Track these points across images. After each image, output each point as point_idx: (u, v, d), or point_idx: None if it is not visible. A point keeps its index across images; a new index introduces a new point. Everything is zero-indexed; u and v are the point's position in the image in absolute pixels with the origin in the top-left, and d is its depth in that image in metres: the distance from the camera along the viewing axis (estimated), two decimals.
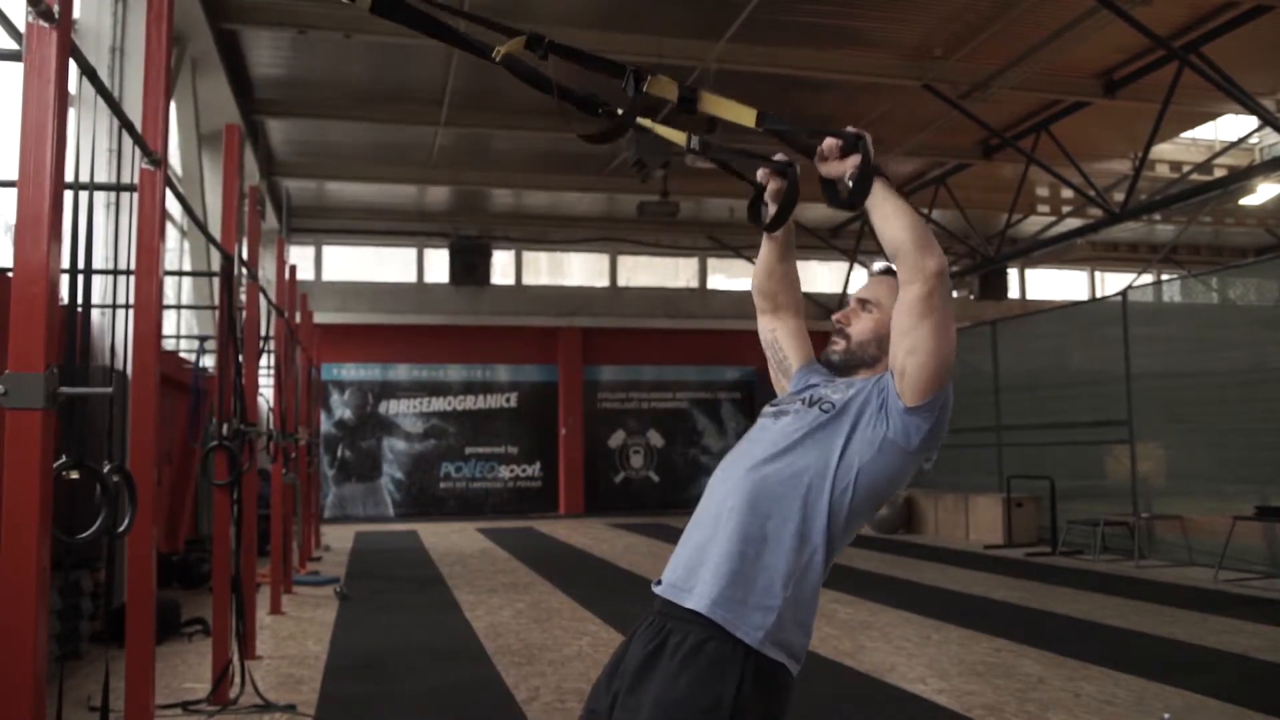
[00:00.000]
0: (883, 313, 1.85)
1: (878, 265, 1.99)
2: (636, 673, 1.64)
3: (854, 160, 1.68)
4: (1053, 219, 14.52)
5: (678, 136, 2.00)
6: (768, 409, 1.89)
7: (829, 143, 1.69)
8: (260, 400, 6.90)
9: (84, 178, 2.61)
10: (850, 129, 1.69)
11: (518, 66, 1.72)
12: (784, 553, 1.67)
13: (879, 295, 1.88)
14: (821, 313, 14.71)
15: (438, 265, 16.64)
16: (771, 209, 1.93)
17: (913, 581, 8.25)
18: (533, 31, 1.70)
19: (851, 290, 2.01)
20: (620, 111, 1.77)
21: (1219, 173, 12.11)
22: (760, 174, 1.92)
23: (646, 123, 1.93)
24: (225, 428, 4.73)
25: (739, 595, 1.64)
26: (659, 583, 1.76)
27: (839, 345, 1.90)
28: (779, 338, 2.06)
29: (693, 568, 1.70)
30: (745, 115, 1.72)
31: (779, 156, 1.89)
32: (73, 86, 2.61)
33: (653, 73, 1.74)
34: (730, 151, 2.03)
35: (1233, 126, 12.99)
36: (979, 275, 16.74)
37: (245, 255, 5.35)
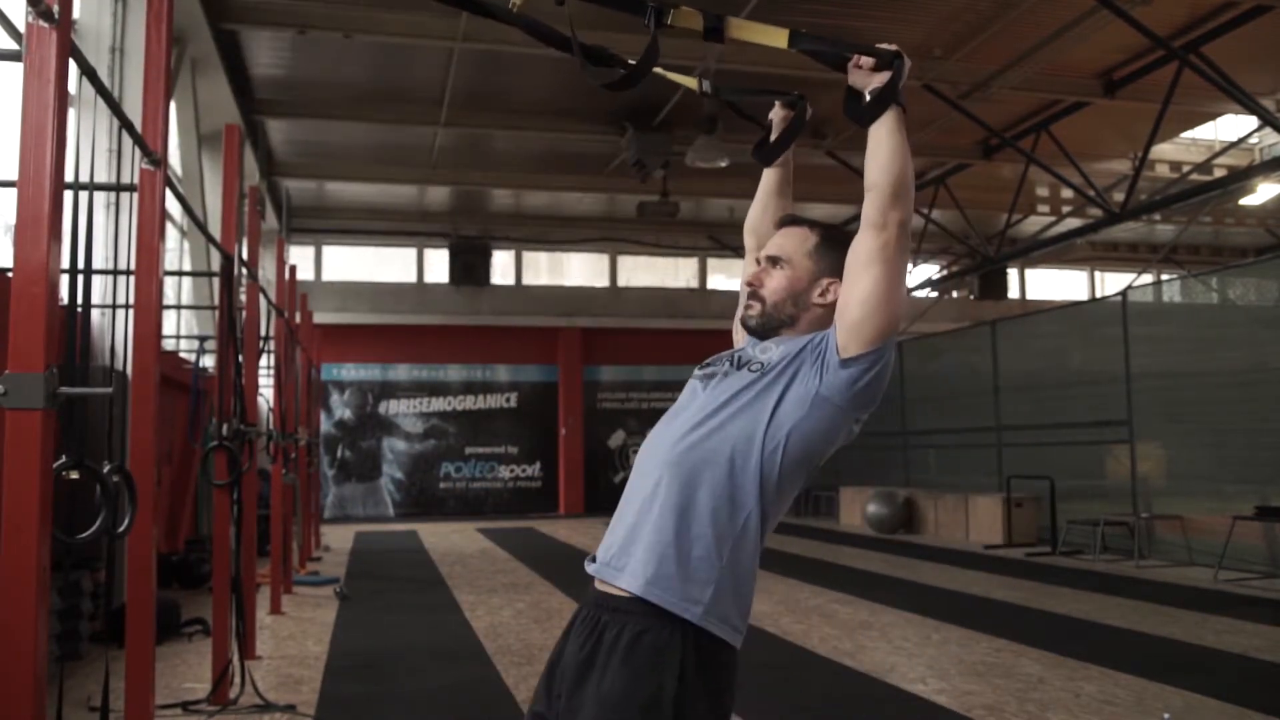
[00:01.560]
0: (794, 269, 1.79)
1: (780, 216, 1.93)
2: (575, 674, 1.60)
3: (882, 77, 1.64)
4: (1053, 219, 14.51)
5: (689, 81, 1.97)
6: (697, 372, 1.84)
7: (866, 58, 1.65)
8: (260, 400, 6.90)
9: (84, 178, 2.61)
10: (890, 46, 1.64)
11: (534, 25, 1.69)
12: (717, 520, 1.62)
13: (788, 250, 1.81)
14: None
15: (438, 265, 16.64)
16: (773, 138, 1.89)
17: (913, 581, 8.24)
18: None
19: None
20: (632, 62, 1.73)
21: (1219, 173, 12.10)
22: (773, 111, 1.88)
23: (662, 73, 1.87)
24: (225, 428, 4.73)
25: (674, 570, 1.59)
26: (592, 560, 1.72)
27: (754, 309, 1.82)
28: None
29: (625, 545, 1.65)
30: (777, 37, 1.67)
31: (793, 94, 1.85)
32: (73, 86, 2.61)
33: (675, 4, 1.69)
34: (742, 91, 2.01)
35: (1233, 126, 12.99)
36: (979, 275, 16.74)
37: (245, 255, 5.35)
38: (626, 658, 1.57)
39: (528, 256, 17.08)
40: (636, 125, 11.13)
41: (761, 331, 1.81)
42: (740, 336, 1.94)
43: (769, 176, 2.05)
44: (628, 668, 1.56)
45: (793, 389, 1.67)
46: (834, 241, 1.80)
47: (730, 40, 1.73)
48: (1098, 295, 17.80)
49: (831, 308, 1.74)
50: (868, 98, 1.65)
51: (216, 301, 5.28)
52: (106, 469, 2.48)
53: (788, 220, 1.88)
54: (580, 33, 1.67)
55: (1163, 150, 12.90)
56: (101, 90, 2.74)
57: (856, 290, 1.64)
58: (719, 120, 10.46)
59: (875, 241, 1.63)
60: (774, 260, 1.82)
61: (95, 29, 6.81)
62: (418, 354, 16.79)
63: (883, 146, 1.63)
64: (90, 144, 3.17)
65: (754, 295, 1.83)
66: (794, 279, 1.79)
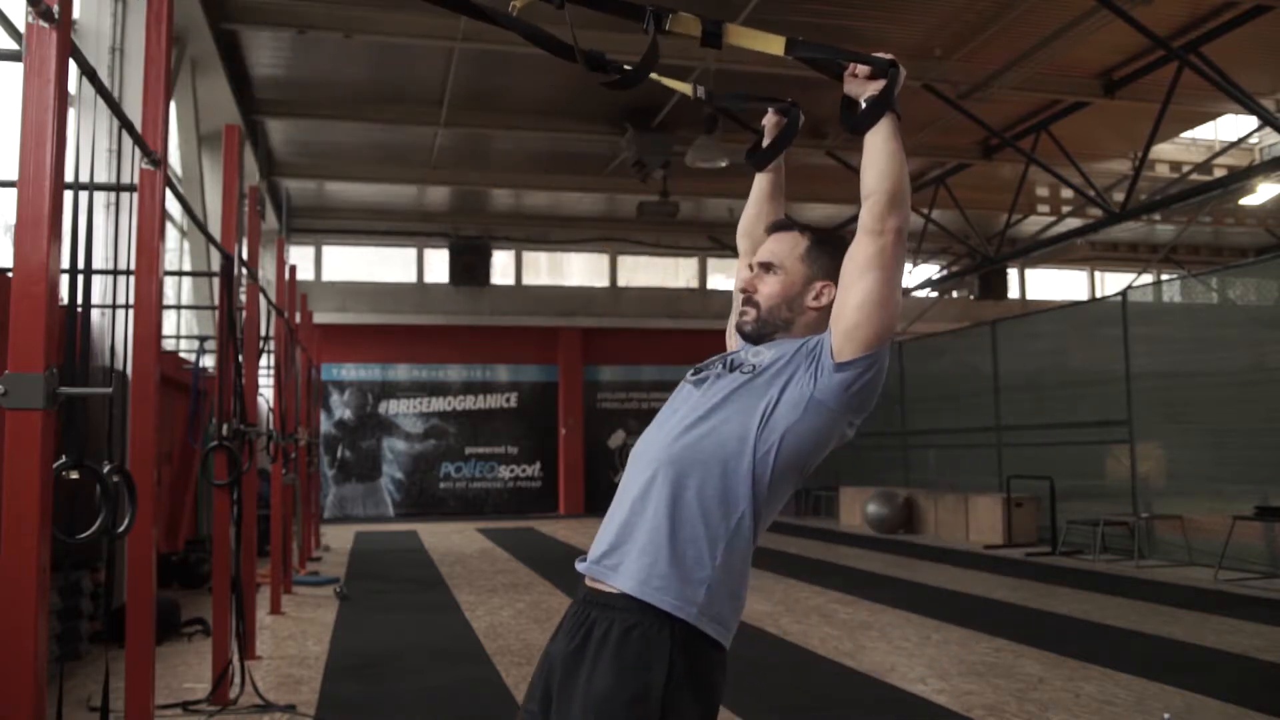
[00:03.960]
0: (787, 273, 1.80)
1: (771, 222, 1.95)
2: (564, 669, 1.61)
3: (877, 85, 1.65)
4: (1053, 219, 14.51)
5: (684, 88, 1.98)
6: (689, 375, 1.85)
7: (862, 67, 1.66)
8: (260, 400, 6.90)
9: (84, 178, 2.61)
10: (885, 55, 1.66)
11: (532, 32, 1.70)
12: (710, 521, 1.63)
13: (780, 255, 1.82)
14: None
15: (438, 265, 16.64)
16: (766, 143, 1.91)
17: (913, 581, 8.24)
18: None
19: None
20: (627, 68, 1.74)
21: (1219, 173, 12.10)
22: (766, 117, 1.89)
23: (659, 78, 1.90)
24: (225, 428, 4.72)
25: (667, 570, 1.60)
26: (582, 559, 1.72)
27: (749, 314, 1.83)
28: None
29: (617, 545, 1.65)
30: (774, 44, 1.68)
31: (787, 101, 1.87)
32: (73, 86, 2.61)
33: (673, 10, 1.70)
34: (736, 97, 2.02)
35: (1233, 126, 12.99)
36: (979, 275, 16.74)
37: (245, 255, 5.35)
38: (616, 652, 1.57)
39: (528, 256, 17.08)
40: (636, 125, 11.14)
41: (757, 336, 1.82)
42: (734, 341, 1.95)
43: (761, 181, 2.08)
44: (617, 662, 1.56)
45: (787, 392, 1.68)
46: (825, 245, 1.82)
47: (728, 46, 1.74)
48: (1098, 295, 17.80)
49: (825, 311, 1.75)
50: (863, 105, 1.66)
51: (216, 301, 5.28)
52: (106, 469, 2.48)
53: (778, 225, 1.90)
54: (579, 31, 1.67)
55: (1163, 150, 12.90)
56: (101, 90, 2.74)
57: (853, 295, 1.65)
58: (719, 120, 10.47)
59: (872, 247, 1.64)
60: (766, 266, 1.83)
61: (95, 29, 6.81)
62: (418, 354, 16.79)
63: (879, 154, 1.64)
64: (90, 144, 3.17)
65: (748, 301, 1.84)
66: (787, 284, 1.81)
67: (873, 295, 1.63)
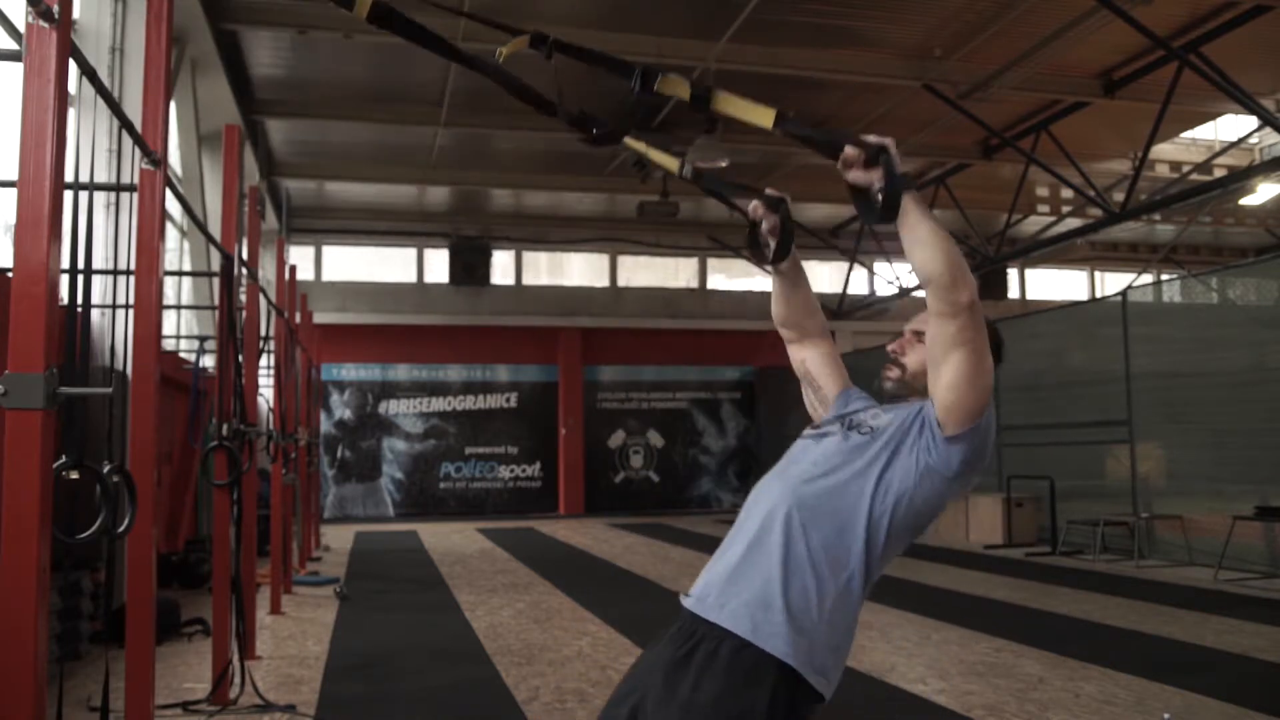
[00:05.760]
0: None
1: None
2: (667, 675, 1.62)
3: (879, 174, 1.59)
4: (1053, 219, 14.51)
5: (670, 163, 1.96)
6: (808, 431, 1.89)
7: (850, 151, 1.60)
8: (260, 400, 6.90)
9: (84, 178, 2.61)
10: (873, 139, 1.59)
11: (516, 85, 1.71)
12: (820, 575, 1.65)
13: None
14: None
15: (438, 265, 16.63)
16: (771, 245, 1.89)
17: (913, 581, 8.24)
18: (536, 31, 1.68)
19: (909, 324, 1.96)
20: (610, 128, 1.77)
21: (1219, 173, 12.09)
22: (752, 207, 1.88)
23: (640, 147, 1.90)
24: (225, 428, 4.72)
25: (773, 617, 1.62)
26: (688, 595, 1.73)
27: (894, 374, 1.89)
28: (810, 368, 2.04)
29: (727, 586, 1.67)
30: (763, 116, 1.65)
31: (770, 191, 1.84)
32: (73, 86, 2.61)
33: (663, 72, 1.68)
34: (723, 184, 2.01)
35: (1233, 126, 12.98)
36: (979, 275, 16.71)
37: (245, 255, 5.35)
38: (728, 666, 1.59)
39: (528, 256, 17.08)
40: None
41: (895, 398, 1.88)
42: (819, 414, 1.99)
43: (780, 274, 2.01)
44: (726, 677, 1.58)
45: (900, 457, 1.72)
46: None
47: (715, 112, 1.73)
48: (1098, 295, 17.80)
49: None
50: (878, 196, 1.61)
51: (216, 301, 5.28)
52: (106, 469, 2.48)
53: None
54: (572, 32, 1.67)
55: (1163, 150, 12.89)
56: (101, 90, 2.74)
57: (944, 376, 1.68)
58: (719, 121, 10.47)
59: (950, 328, 1.65)
60: (919, 334, 1.87)
61: (95, 29, 6.81)
62: (418, 354, 16.79)
63: (918, 238, 1.63)
64: (90, 144, 3.17)
65: (895, 363, 1.90)
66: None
67: (962, 373, 1.66)
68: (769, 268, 1.97)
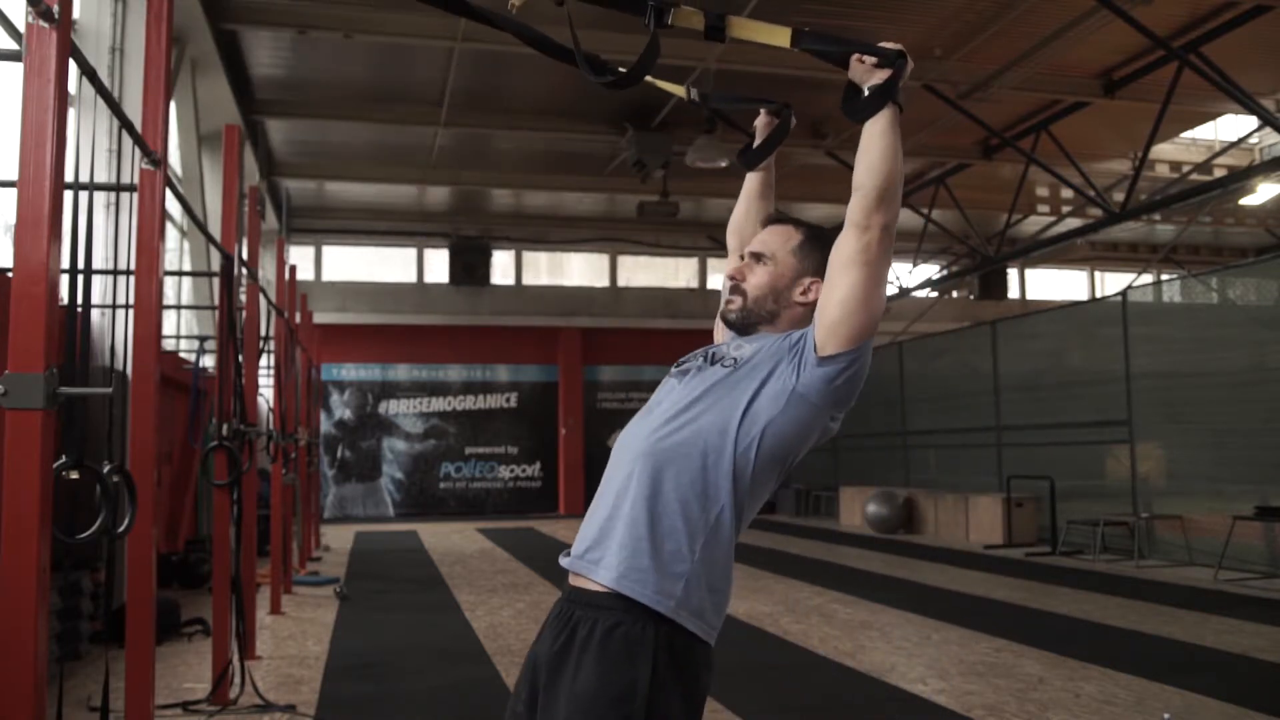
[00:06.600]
0: (777, 265, 1.80)
1: (766, 214, 1.95)
2: (550, 669, 1.60)
3: (883, 74, 1.62)
4: (1053, 219, 14.51)
5: (678, 90, 1.99)
6: (673, 369, 1.85)
7: (868, 58, 1.64)
8: (260, 400, 6.90)
9: (84, 178, 2.61)
10: (894, 45, 1.62)
11: (531, 34, 1.69)
12: (689, 515, 1.62)
13: (772, 247, 1.81)
14: None
15: (438, 265, 16.64)
16: (757, 142, 1.90)
17: (913, 581, 8.24)
18: None
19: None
20: (623, 70, 1.74)
21: (1219, 173, 12.10)
22: (759, 118, 1.89)
23: (658, 83, 1.90)
24: (225, 428, 4.73)
25: (647, 563, 1.59)
26: (566, 554, 1.71)
27: (735, 303, 1.82)
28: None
29: (600, 539, 1.65)
30: (779, 35, 1.66)
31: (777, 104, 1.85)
32: (73, 86, 2.61)
33: (675, 4, 1.67)
34: (729, 97, 2.02)
35: (1233, 126, 12.99)
36: (979, 275, 16.73)
37: (245, 255, 5.35)
38: (600, 653, 1.57)
39: (528, 256, 17.08)
40: (636, 125, 11.14)
41: (741, 326, 1.82)
42: (720, 334, 1.94)
43: (752, 180, 2.08)
44: (601, 663, 1.56)
45: (768, 385, 1.67)
46: (818, 241, 1.80)
47: (731, 40, 1.72)
48: (1098, 295, 17.81)
49: (812, 307, 1.74)
50: (866, 93, 1.64)
51: (216, 301, 5.28)
52: (106, 469, 2.48)
53: (774, 218, 1.89)
54: (579, 31, 1.67)
55: (1163, 150, 12.90)
56: (101, 90, 2.74)
57: (836, 291, 1.64)
58: (719, 121, 10.47)
59: (858, 243, 1.62)
60: (758, 256, 1.83)
61: (95, 29, 6.81)
62: (418, 354, 16.80)
63: (874, 145, 1.62)
64: (90, 144, 3.17)
65: (735, 289, 1.83)
66: (776, 275, 1.80)
67: (856, 291, 1.62)
68: (748, 166, 1.99)
